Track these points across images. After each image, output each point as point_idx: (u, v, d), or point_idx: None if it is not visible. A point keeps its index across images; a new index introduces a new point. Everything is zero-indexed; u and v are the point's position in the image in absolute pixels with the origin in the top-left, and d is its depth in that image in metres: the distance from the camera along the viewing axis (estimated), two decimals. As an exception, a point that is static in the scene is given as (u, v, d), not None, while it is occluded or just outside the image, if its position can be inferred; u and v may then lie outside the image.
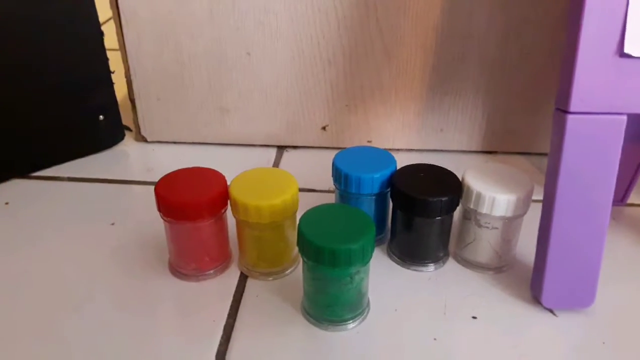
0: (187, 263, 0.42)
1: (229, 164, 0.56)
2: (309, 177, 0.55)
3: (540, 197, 0.39)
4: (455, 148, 0.60)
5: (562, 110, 0.36)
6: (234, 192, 0.39)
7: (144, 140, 0.62)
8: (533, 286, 0.41)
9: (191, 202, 0.39)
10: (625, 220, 0.50)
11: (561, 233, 0.38)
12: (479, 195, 0.41)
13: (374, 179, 0.43)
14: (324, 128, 0.59)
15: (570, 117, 0.36)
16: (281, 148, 0.61)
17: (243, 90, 0.57)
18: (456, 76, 0.55)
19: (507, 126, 0.58)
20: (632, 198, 0.52)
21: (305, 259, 0.36)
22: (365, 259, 0.36)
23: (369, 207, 0.45)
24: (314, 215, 0.37)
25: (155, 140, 0.61)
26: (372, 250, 0.36)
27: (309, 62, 0.55)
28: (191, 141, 0.61)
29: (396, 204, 0.43)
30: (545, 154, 0.59)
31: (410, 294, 0.42)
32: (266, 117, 0.59)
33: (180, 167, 0.42)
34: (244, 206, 0.39)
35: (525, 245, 0.44)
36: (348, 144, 0.59)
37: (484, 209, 0.41)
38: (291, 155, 0.60)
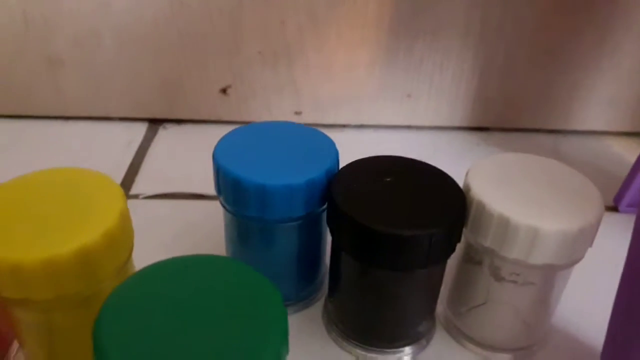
0: None
1: (65, 152, 0.37)
2: (198, 171, 0.33)
3: None
4: (428, 123, 0.40)
5: None
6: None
7: None
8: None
9: None
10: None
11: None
12: (505, 224, 0.20)
13: (293, 190, 0.21)
14: (223, 90, 0.38)
15: None
16: (155, 123, 0.39)
17: (83, 29, 0.35)
18: (435, 9, 0.35)
19: (510, 90, 0.38)
20: None
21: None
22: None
23: (285, 243, 0.23)
24: (139, 293, 0.15)
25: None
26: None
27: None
28: (2, 113, 0.38)
29: (340, 241, 0.22)
30: (567, 132, 0.40)
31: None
32: (127, 72, 0.37)
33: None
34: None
35: (565, 301, 0.24)
36: (264, 116, 0.39)
37: (514, 251, 0.20)
38: (170, 134, 0.38)
